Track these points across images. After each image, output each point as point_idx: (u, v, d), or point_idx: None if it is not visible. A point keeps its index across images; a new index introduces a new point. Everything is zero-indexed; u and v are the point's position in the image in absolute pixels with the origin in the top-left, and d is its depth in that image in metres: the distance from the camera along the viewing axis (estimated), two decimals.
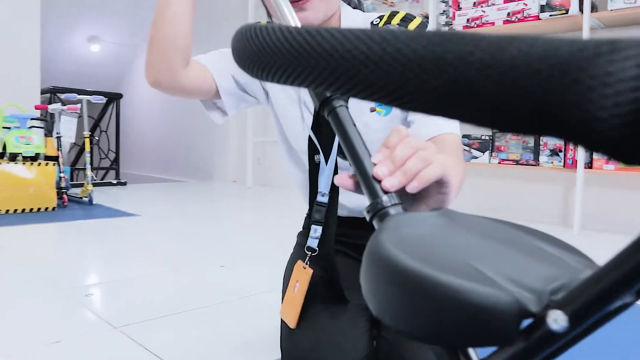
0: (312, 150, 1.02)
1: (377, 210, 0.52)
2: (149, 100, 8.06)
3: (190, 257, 2.58)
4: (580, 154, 3.32)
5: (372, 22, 1.02)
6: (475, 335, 0.33)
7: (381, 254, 0.39)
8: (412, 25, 0.97)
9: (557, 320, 0.29)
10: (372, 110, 1.01)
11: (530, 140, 3.61)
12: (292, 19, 0.72)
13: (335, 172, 1.02)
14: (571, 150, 3.42)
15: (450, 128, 0.96)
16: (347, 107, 0.63)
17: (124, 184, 5.84)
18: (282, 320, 1.12)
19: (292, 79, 0.39)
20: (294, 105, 1.08)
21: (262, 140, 5.89)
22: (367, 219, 0.54)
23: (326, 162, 1.01)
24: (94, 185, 4.68)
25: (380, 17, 1.02)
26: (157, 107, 7.85)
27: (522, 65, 0.24)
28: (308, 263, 1.07)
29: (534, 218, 3.74)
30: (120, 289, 2.03)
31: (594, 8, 3.39)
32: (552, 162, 3.51)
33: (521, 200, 3.83)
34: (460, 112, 0.28)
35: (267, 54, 0.39)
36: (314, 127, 1.01)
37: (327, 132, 1.01)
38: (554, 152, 3.50)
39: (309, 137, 1.01)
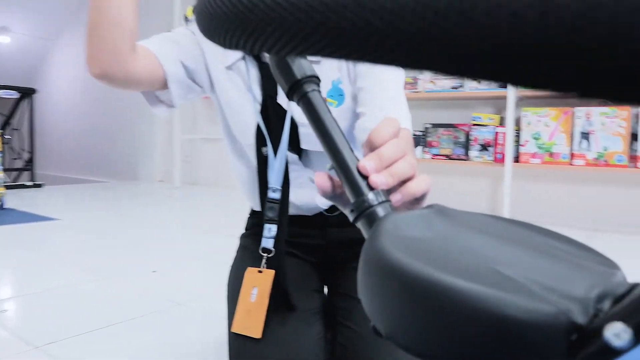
0: (259, 142, 0.97)
1: (364, 210, 0.45)
2: (67, 96, 7.59)
3: (118, 263, 2.40)
4: (509, 148, 3.43)
5: None
6: (516, 356, 0.27)
7: (392, 264, 0.31)
8: None
9: (618, 334, 0.24)
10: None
11: (461, 136, 3.68)
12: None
13: (286, 165, 0.97)
14: (500, 145, 3.52)
15: (404, 122, 0.90)
16: (319, 92, 0.55)
17: (40, 186, 5.44)
18: (232, 335, 1.01)
19: (270, 42, 0.31)
20: (241, 94, 1.01)
21: (190, 138, 5.68)
22: (351, 219, 0.47)
23: (275, 154, 0.96)
24: (6, 188, 4.32)
25: None
26: (77, 104, 7.40)
27: None
28: (265, 265, 0.99)
29: None
30: (40, 303, 1.84)
31: None
32: (482, 157, 3.60)
33: (453, 194, 3.91)
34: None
35: (238, 15, 0.32)
36: (263, 116, 0.96)
37: (276, 122, 0.97)
38: (484, 147, 3.59)
39: (257, 128, 0.96)
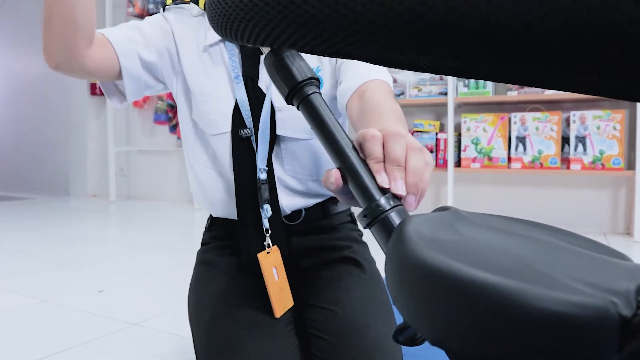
0: (236, 124, 0.98)
1: (377, 215, 0.44)
2: None
3: (58, 285, 2.26)
4: (450, 153, 3.53)
5: None
6: (571, 354, 0.26)
7: (435, 268, 0.30)
8: None
9: None
10: None
11: None
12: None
13: (271, 146, 0.99)
14: (442, 150, 3.62)
15: (379, 74, 0.95)
16: (320, 94, 0.53)
17: None
18: (201, 352, 0.98)
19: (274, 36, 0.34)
20: (217, 77, 1.01)
21: (125, 150, 5.47)
22: (363, 225, 0.46)
23: (256, 136, 0.98)
24: None
25: None
26: (0, 115, 6.95)
27: None
28: (269, 244, 1.01)
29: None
30: None
31: None
32: None
33: None
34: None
35: (252, 12, 0.34)
36: (249, 96, 0.98)
37: (255, 104, 0.98)
38: None
39: (234, 109, 0.98)
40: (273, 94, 0.98)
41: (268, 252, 0.99)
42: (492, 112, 3.55)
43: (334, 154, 0.49)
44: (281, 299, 0.99)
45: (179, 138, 5.04)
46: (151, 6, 5.04)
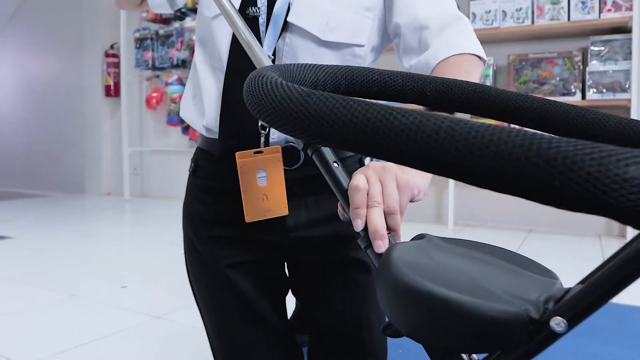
0: (246, 1, 0.87)
1: (370, 242, 0.60)
2: (9, 108, 7.32)
3: (83, 280, 2.44)
4: None
5: None
6: (492, 342, 0.43)
7: (411, 285, 0.46)
8: None
9: (559, 324, 0.39)
10: None
11: None
12: (264, 57, 0.75)
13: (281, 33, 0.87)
14: None
15: (471, 45, 0.84)
16: None
17: None
18: (217, 347, 1.00)
19: (299, 135, 0.40)
20: None
21: (139, 150, 5.66)
22: (362, 247, 0.61)
23: (268, 18, 0.86)
24: None
25: None
26: (19, 115, 7.15)
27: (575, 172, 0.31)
28: (263, 145, 0.88)
29: (412, 218, 4.05)
30: (10, 325, 1.87)
31: None
32: None
33: None
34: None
35: (284, 113, 0.40)
36: None
37: None
38: None
39: None
40: None
41: (258, 152, 0.86)
42: (492, 118, 3.68)
43: (339, 194, 0.65)
44: (260, 202, 0.87)
45: (190, 139, 5.22)
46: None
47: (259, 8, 0.86)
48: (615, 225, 3.50)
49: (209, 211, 0.97)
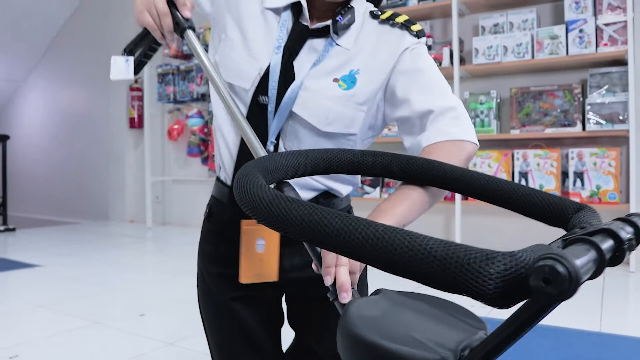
0: (260, 90, 0.98)
1: (337, 296, 0.75)
2: (37, 138, 7.68)
3: (105, 308, 2.62)
4: None
5: (371, 12, 1.04)
6: None
7: (358, 336, 0.60)
8: (415, 28, 1.01)
9: None
10: (335, 80, 0.99)
11: None
12: (260, 149, 0.90)
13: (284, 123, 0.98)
14: None
15: (463, 132, 0.93)
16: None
17: (13, 230, 5.54)
18: None
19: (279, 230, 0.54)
20: (262, 35, 1.01)
21: (160, 180, 5.90)
22: (331, 299, 0.76)
23: (275, 107, 0.97)
24: None
25: (381, 11, 1.04)
26: (46, 146, 7.51)
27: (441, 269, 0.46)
28: None
29: None
30: (38, 350, 2.05)
31: (462, 61, 3.94)
32: None
33: (414, 228, 4.24)
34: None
35: (259, 210, 0.55)
36: (281, 67, 0.98)
37: (282, 78, 0.97)
38: None
39: (265, 73, 0.97)
40: (304, 74, 0.98)
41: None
42: (496, 148, 3.82)
43: (312, 256, 0.80)
44: (256, 265, 0.98)
45: (210, 169, 5.44)
46: (185, 48, 5.49)
47: (268, 97, 0.97)
48: None
49: (217, 251, 1.11)
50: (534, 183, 3.60)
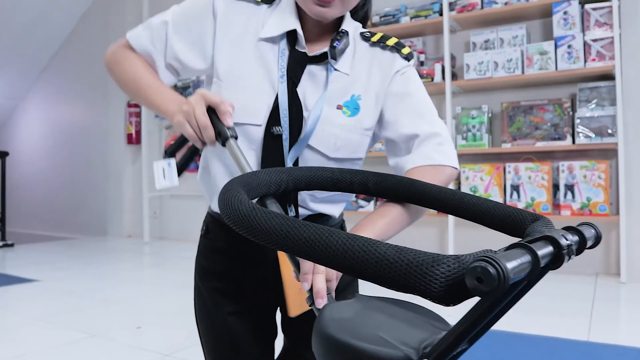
0: (272, 121, 0.98)
1: (312, 302, 0.80)
2: (35, 154, 7.74)
3: (103, 321, 2.66)
4: None
5: (362, 34, 1.06)
6: None
7: (330, 337, 0.65)
8: (405, 50, 1.05)
9: None
10: (339, 107, 1.01)
11: None
12: (246, 166, 0.92)
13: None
14: None
15: (444, 157, 0.98)
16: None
17: (12, 245, 5.56)
18: None
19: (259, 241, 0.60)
20: (261, 68, 1.01)
21: (158, 195, 5.95)
22: (308, 304, 0.81)
23: (290, 136, 0.98)
24: None
25: (371, 33, 1.07)
26: (45, 163, 7.56)
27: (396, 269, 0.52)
28: None
29: None
30: None
31: (454, 77, 4.02)
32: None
33: (402, 243, 4.29)
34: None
35: (238, 221, 0.60)
36: (281, 98, 0.98)
37: (292, 104, 0.98)
38: None
39: (274, 105, 0.98)
40: (308, 98, 1.00)
41: None
42: (488, 162, 3.88)
43: (291, 263, 0.85)
44: (299, 298, 0.97)
45: None
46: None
47: (281, 127, 0.98)
48: (612, 264, 3.61)
49: (214, 267, 1.15)
50: (525, 196, 3.66)
